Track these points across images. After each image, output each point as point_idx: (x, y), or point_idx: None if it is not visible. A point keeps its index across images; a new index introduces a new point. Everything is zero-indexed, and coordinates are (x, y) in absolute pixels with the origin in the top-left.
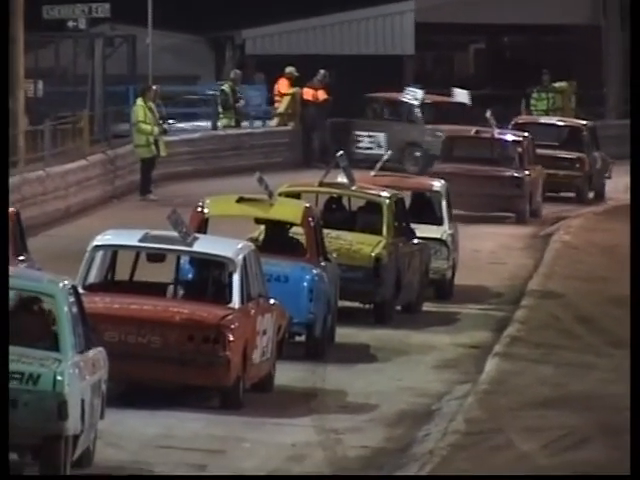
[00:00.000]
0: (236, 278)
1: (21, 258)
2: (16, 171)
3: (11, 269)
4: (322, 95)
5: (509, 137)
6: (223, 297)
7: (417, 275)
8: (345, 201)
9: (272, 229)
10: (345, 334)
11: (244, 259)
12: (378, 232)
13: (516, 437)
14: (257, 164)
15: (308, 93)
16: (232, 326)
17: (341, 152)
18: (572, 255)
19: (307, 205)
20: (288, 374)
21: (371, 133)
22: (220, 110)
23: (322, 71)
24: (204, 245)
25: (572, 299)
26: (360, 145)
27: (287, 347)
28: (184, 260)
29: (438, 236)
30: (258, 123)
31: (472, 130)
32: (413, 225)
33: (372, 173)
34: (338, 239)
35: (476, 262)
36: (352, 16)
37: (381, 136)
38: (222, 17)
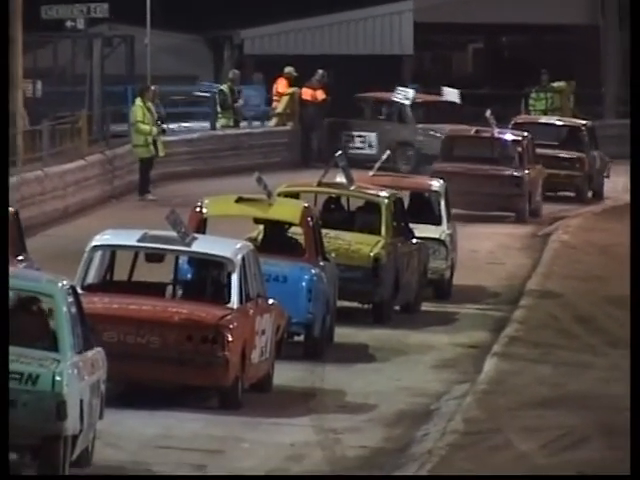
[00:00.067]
0: (235, 278)
1: (20, 258)
2: (14, 171)
3: (10, 269)
4: (321, 95)
5: (509, 136)
6: (222, 297)
7: (415, 275)
8: (344, 201)
9: (271, 229)
10: (344, 334)
11: (243, 259)
12: (377, 232)
13: (515, 437)
14: (256, 164)
15: (307, 93)
16: (231, 326)
17: (340, 152)
18: (570, 255)
19: (306, 205)
20: (287, 374)
21: (362, 133)
22: (219, 110)
23: (320, 71)
24: (203, 245)
25: (570, 299)
26: (351, 145)
27: (286, 347)
28: (183, 260)
29: (436, 236)
30: (257, 123)
31: (472, 130)
32: (412, 225)
33: (370, 173)
34: (337, 239)
35: (474, 262)
36: (351, 16)
37: (372, 136)
38: (221, 17)
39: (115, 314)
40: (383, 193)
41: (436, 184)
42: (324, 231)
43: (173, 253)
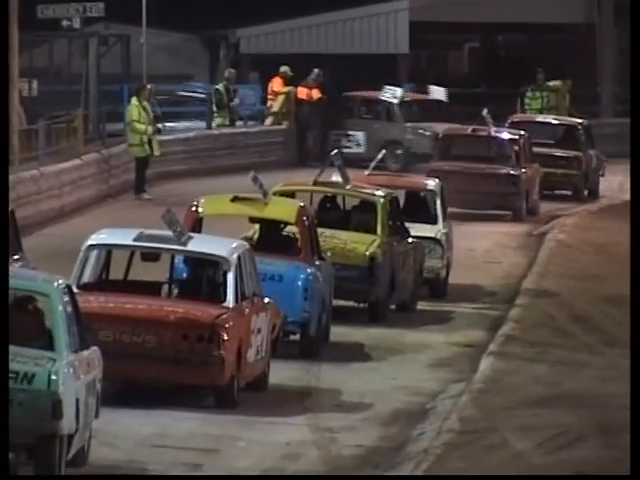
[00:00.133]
0: (230, 277)
1: (16, 257)
2: (10, 170)
3: None
4: (316, 94)
5: (506, 135)
6: (217, 296)
7: (411, 274)
8: (340, 200)
9: (267, 228)
10: (339, 333)
11: (238, 258)
12: (372, 231)
13: (510, 436)
14: (252, 163)
15: (302, 92)
16: (226, 325)
17: (335, 151)
18: (566, 254)
19: (301, 204)
20: (282, 373)
21: (349, 132)
22: (214, 109)
23: (316, 70)
24: (198, 244)
25: (566, 298)
26: (339, 144)
27: (281, 346)
28: (178, 259)
29: (432, 235)
30: (251, 123)
31: (469, 128)
32: (407, 224)
33: (366, 172)
34: (332, 238)
35: (470, 261)
36: (347, 15)
37: (360, 135)
38: (216, 16)
39: (111, 313)
40: (379, 192)
41: (432, 183)
42: (320, 230)
43: (169, 252)
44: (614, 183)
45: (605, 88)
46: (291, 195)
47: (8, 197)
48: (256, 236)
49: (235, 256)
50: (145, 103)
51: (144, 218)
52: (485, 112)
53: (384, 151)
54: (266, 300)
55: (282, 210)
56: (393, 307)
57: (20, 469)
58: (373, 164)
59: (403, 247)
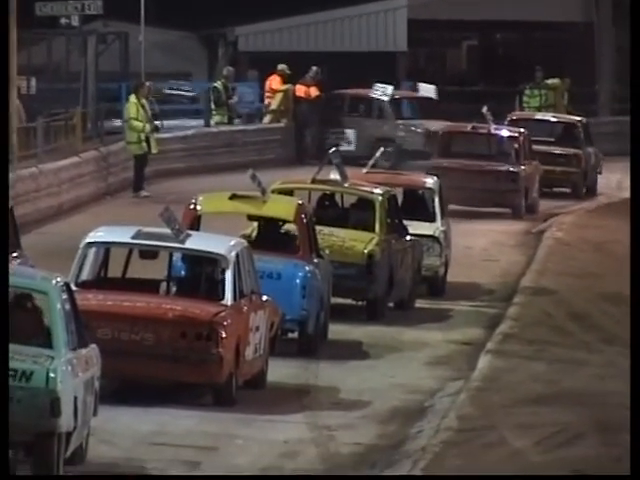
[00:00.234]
0: (229, 275)
1: (15, 255)
2: (9, 168)
3: None
4: (314, 92)
5: (505, 133)
6: (216, 294)
7: (409, 272)
8: (338, 198)
9: (265, 226)
10: (338, 331)
11: (237, 256)
12: (371, 229)
13: (509, 434)
14: (250, 161)
15: (300, 90)
16: (225, 323)
17: (334, 149)
18: (564, 252)
19: (300, 202)
20: (281, 371)
21: (340, 129)
22: (213, 107)
23: (314, 68)
24: (197, 242)
25: (564, 296)
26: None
27: (280, 344)
28: (177, 257)
29: (430, 233)
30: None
31: (469, 126)
32: (406, 222)
33: (364, 170)
34: (331, 236)
35: (469, 259)
36: (345, 13)
37: (350, 132)
38: (215, 14)
39: (109, 311)
40: (377, 190)
41: (430, 181)
42: (318, 228)
43: (167, 250)
44: (612, 181)
45: (603, 86)
46: (289, 193)
47: (8, 195)
48: (254, 234)
49: (233, 254)
50: (143, 101)
51: (142, 216)
52: (485, 109)
53: (382, 149)
54: (264, 298)
55: (280, 208)
56: (391, 305)
57: (18, 467)
58: (371, 162)
59: (401, 245)
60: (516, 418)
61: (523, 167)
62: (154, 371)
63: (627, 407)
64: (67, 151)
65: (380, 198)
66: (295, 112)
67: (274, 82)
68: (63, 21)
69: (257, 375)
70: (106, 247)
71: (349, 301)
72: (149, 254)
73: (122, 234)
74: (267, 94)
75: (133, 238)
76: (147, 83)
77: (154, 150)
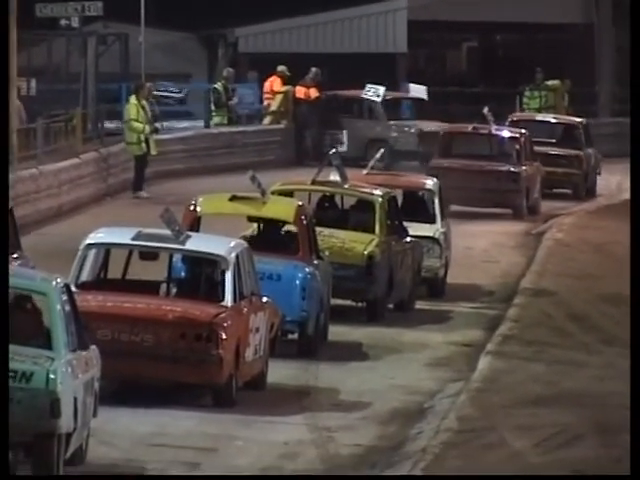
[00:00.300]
0: (229, 276)
1: (15, 256)
2: (9, 169)
3: None
4: (314, 93)
5: (506, 133)
6: (216, 295)
7: (409, 273)
8: (338, 199)
9: (265, 227)
10: (338, 332)
11: (237, 257)
12: (371, 230)
13: (508, 435)
14: (250, 162)
15: (300, 91)
16: (225, 324)
17: (334, 150)
18: (564, 253)
19: (300, 203)
20: (281, 372)
21: (331, 131)
22: (213, 108)
23: (314, 69)
24: (197, 243)
25: (564, 297)
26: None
27: (280, 345)
28: (177, 258)
29: (430, 234)
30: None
31: (470, 126)
32: (406, 223)
33: (364, 171)
34: (331, 237)
35: (469, 260)
36: (345, 14)
37: (342, 133)
38: (215, 15)
39: (109, 312)
40: (377, 191)
41: (430, 182)
42: (318, 229)
43: (167, 251)
44: (612, 182)
45: (603, 87)
46: (289, 194)
47: (8, 196)
48: (254, 235)
49: (233, 255)
50: (144, 102)
51: (142, 217)
52: (486, 110)
53: (382, 150)
54: (264, 299)
55: (280, 209)
56: (391, 306)
57: (18, 468)
58: (371, 163)
59: (401, 246)
60: (516, 419)
61: (524, 167)
62: (154, 372)
63: (627, 408)
64: (67, 152)
65: (380, 199)
66: (295, 113)
67: (275, 84)
68: (63, 22)
69: (257, 376)
70: (106, 248)
71: (349, 302)
72: (149, 255)
73: (122, 235)
74: (266, 95)
75: (133, 239)
76: (147, 84)
77: (153, 151)
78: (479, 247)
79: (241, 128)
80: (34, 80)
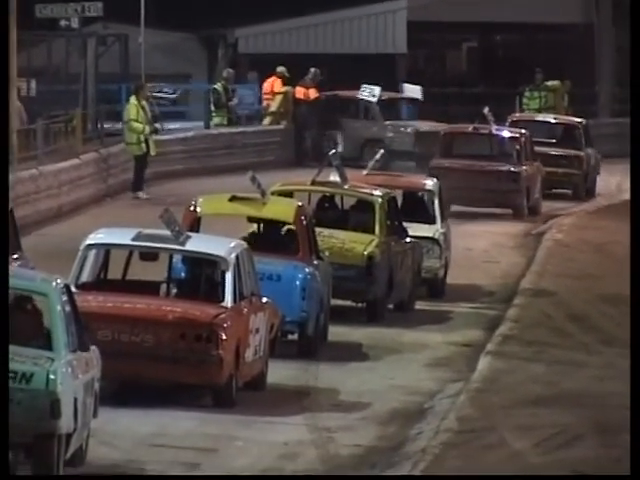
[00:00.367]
0: (229, 277)
1: (15, 256)
2: (9, 170)
3: None
4: (313, 93)
5: (507, 133)
6: (216, 296)
7: (409, 274)
8: (338, 200)
9: (265, 228)
10: (337, 332)
11: (236, 258)
12: (370, 231)
13: (508, 435)
14: (250, 163)
15: (300, 92)
16: (225, 325)
17: (333, 150)
18: (564, 253)
19: (300, 204)
20: (281, 372)
21: (330, 131)
22: (213, 109)
23: (313, 69)
24: (197, 244)
25: (564, 297)
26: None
27: (280, 345)
28: (177, 259)
29: (430, 235)
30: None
31: (470, 126)
32: (405, 224)
33: (364, 172)
34: (331, 238)
35: (469, 260)
36: (345, 15)
37: (335, 134)
38: (215, 15)
39: (109, 312)
40: (377, 192)
41: (430, 183)
42: (318, 230)
43: (167, 252)
44: (612, 183)
45: (603, 88)
46: (289, 195)
47: (8, 196)
48: (253, 236)
49: (233, 256)
50: (144, 102)
51: (142, 218)
52: (486, 110)
53: (382, 151)
54: (264, 300)
55: (280, 210)
56: (391, 307)
57: (18, 468)
58: (371, 164)
59: (401, 247)
60: (516, 419)
61: (525, 167)
62: (154, 373)
63: (626, 408)
64: (67, 153)
65: (380, 200)
66: (294, 114)
67: (276, 84)
68: (63, 23)
69: (257, 377)
70: (106, 249)
71: (349, 303)
72: (149, 256)
73: (122, 236)
74: (266, 96)
75: (133, 240)
76: (148, 85)
77: (152, 152)
78: (479, 247)
79: (241, 129)
80: (34, 81)
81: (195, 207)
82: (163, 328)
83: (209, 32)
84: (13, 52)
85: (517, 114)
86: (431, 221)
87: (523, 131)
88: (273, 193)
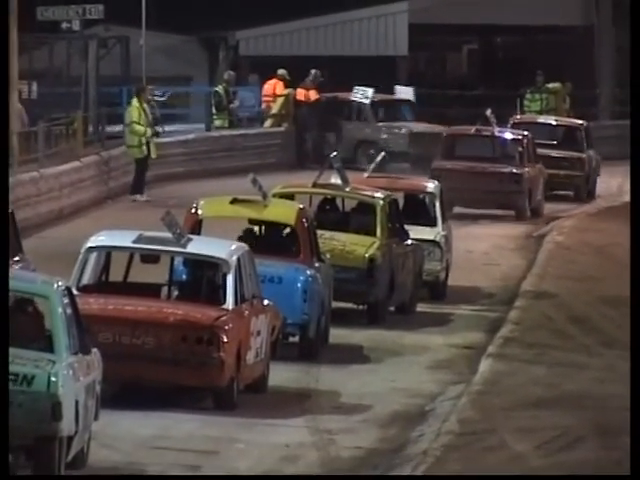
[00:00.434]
0: (230, 279)
1: (16, 259)
2: (10, 172)
3: None
4: (313, 95)
5: (509, 135)
6: (217, 298)
7: (410, 276)
8: (339, 202)
9: (266, 230)
10: (339, 335)
11: (238, 260)
12: (372, 233)
13: (509, 437)
14: (251, 165)
15: (300, 94)
16: (226, 327)
17: (334, 153)
18: (565, 255)
19: (301, 206)
20: (282, 375)
21: (329, 133)
22: (214, 111)
23: (313, 71)
24: (198, 246)
25: (565, 299)
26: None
27: (281, 348)
28: (178, 261)
29: (431, 238)
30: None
31: (472, 128)
32: (407, 226)
33: (365, 174)
34: (332, 240)
35: (470, 263)
36: (346, 17)
37: (331, 136)
38: (215, 18)
39: (110, 315)
40: (378, 194)
41: (431, 185)
42: (319, 232)
43: (168, 254)
44: (613, 185)
45: (604, 90)
46: (290, 197)
47: (8, 199)
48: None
49: (234, 258)
50: (145, 105)
51: (143, 220)
52: (489, 112)
53: (383, 153)
54: (265, 302)
55: (281, 212)
56: (392, 309)
57: (19, 471)
58: (372, 166)
59: (402, 249)
60: (517, 422)
61: (527, 169)
62: (155, 375)
63: (627, 410)
64: (68, 155)
65: (381, 202)
66: (295, 116)
67: (277, 87)
68: (64, 25)
69: (258, 379)
70: (107, 251)
71: (350, 305)
72: (150, 258)
73: (123, 238)
74: (266, 98)
75: (134, 242)
76: (149, 87)
77: (153, 155)
78: (480, 250)
79: (242, 131)
80: (35, 83)
81: (196, 209)
82: (164, 330)
83: (210, 34)
84: (14, 54)
85: (518, 116)
86: (432, 223)
87: (525, 133)
88: (274, 195)
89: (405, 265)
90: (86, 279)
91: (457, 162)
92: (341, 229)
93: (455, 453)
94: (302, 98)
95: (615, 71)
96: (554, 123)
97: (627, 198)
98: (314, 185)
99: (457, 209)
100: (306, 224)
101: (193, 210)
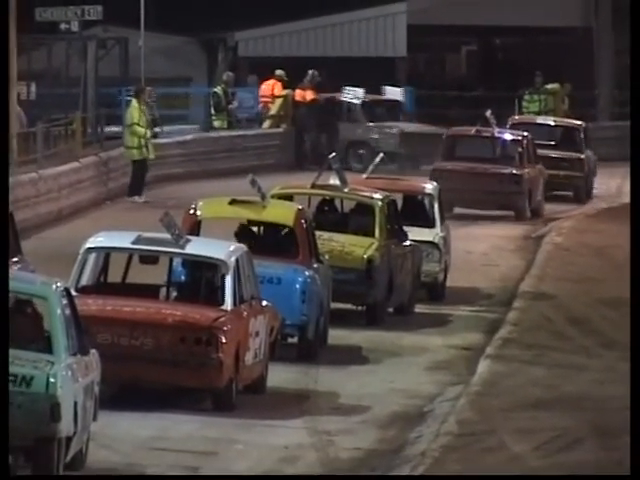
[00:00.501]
0: (228, 280)
1: (15, 260)
2: (9, 173)
3: None
4: (310, 95)
5: (509, 136)
6: (215, 299)
7: (409, 277)
8: (337, 203)
9: (265, 231)
10: (337, 336)
11: (236, 261)
12: (370, 234)
13: (508, 438)
14: (250, 166)
15: (298, 94)
16: (224, 328)
17: (333, 154)
18: (564, 257)
19: (299, 207)
20: (280, 376)
21: (327, 134)
22: (213, 112)
23: (311, 71)
24: (196, 247)
25: (564, 300)
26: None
27: (280, 349)
28: (177, 262)
29: (430, 239)
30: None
31: (472, 129)
32: (405, 227)
33: (364, 175)
34: (330, 241)
35: (468, 264)
36: (345, 18)
37: (322, 137)
38: (214, 19)
39: (109, 316)
40: (377, 195)
41: (429, 187)
42: (318, 233)
43: (167, 255)
44: (612, 186)
45: (603, 91)
46: (289, 198)
47: (8, 200)
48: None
49: (233, 259)
50: (143, 106)
51: (142, 221)
52: (489, 113)
53: (381, 154)
54: (264, 303)
55: (280, 213)
56: (391, 310)
57: (18, 471)
58: (371, 167)
59: (401, 250)
60: (515, 423)
61: (527, 170)
62: (154, 376)
63: (627, 411)
64: (67, 156)
65: (380, 203)
66: (294, 117)
67: (276, 88)
68: (63, 26)
69: (257, 380)
70: (106, 252)
71: (349, 306)
72: (149, 259)
73: (122, 239)
74: (263, 99)
75: (133, 243)
76: (148, 88)
77: (151, 155)
78: (479, 251)
79: (241, 132)
80: (34, 84)
81: (195, 210)
82: (163, 331)
83: (209, 35)
84: (13, 55)
85: (517, 117)
86: (431, 225)
87: (525, 134)
88: (273, 196)
89: (404, 266)
90: (85, 280)
91: (457, 163)
92: (340, 230)
93: (454, 454)
94: (300, 99)
95: (614, 72)
96: (552, 124)
97: (626, 199)
98: (313, 186)
99: (457, 210)
100: (305, 225)
101: (192, 211)
